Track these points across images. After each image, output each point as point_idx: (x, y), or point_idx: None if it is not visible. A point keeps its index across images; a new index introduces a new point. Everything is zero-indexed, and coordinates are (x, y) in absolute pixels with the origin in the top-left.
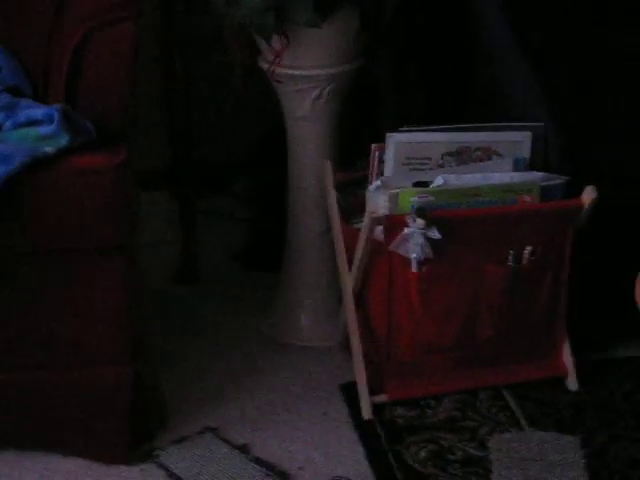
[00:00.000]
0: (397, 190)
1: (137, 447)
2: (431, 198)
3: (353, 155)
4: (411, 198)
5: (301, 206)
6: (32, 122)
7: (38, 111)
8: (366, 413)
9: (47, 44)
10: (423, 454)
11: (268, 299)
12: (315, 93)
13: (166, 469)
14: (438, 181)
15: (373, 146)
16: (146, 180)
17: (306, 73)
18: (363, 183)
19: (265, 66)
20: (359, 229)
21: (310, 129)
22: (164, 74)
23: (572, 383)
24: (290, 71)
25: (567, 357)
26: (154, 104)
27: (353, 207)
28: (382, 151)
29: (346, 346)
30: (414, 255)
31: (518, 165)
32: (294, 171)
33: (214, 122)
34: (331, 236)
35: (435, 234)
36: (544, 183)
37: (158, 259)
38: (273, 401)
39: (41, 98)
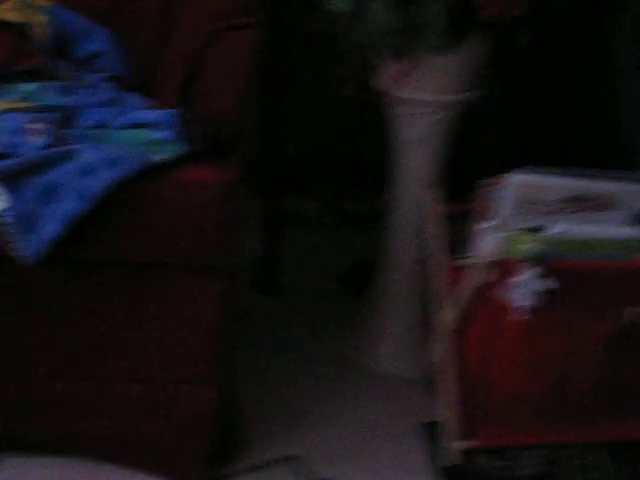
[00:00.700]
0: (511, 234)
1: (214, 470)
2: (546, 246)
3: (453, 187)
4: (526, 244)
5: (399, 233)
6: (142, 124)
7: (151, 114)
8: (451, 459)
9: (159, 36)
10: None
11: (352, 318)
12: (430, 119)
13: None
14: (554, 229)
15: (484, 182)
16: None
17: (425, 98)
18: (467, 217)
19: (381, 86)
20: (462, 265)
21: (418, 155)
22: (266, 73)
23: None
24: (408, 95)
25: None
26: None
27: (455, 241)
28: (493, 188)
29: (430, 381)
30: (523, 304)
31: (635, 219)
32: (396, 196)
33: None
34: (423, 267)
35: (548, 284)
36: None
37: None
38: (354, 432)
39: (146, 92)
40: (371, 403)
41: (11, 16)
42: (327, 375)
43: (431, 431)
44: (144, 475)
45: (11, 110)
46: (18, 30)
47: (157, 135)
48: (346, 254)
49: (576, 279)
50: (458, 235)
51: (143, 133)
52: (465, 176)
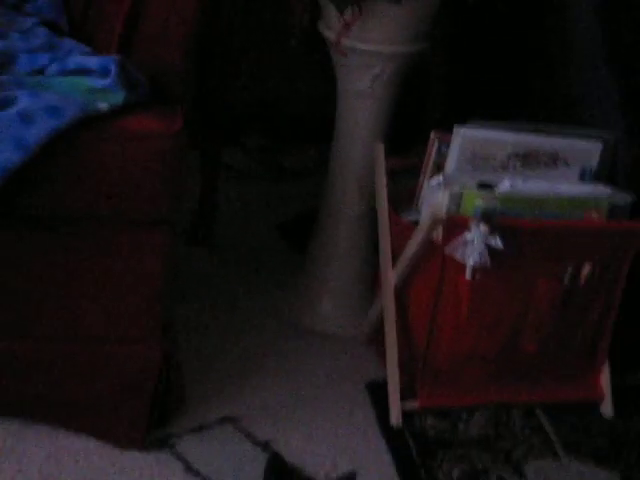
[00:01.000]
0: (461, 190)
1: (152, 431)
2: (496, 203)
3: (398, 140)
4: (475, 201)
5: (341, 187)
6: (82, 71)
7: (92, 60)
8: (396, 420)
9: None
10: (456, 473)
11: (288, 273)
12: (377, 70)
13: (184, 460)
14: (504, 185)
15: (432, 134)
16: None
17: (373, 48)
18: (413, 172)
19: (329, 35)
20: (408, 222)
21: (365, 107)
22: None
23: (607, 409)
24: (357, 44)
25: (605, 381)
26: None
27: (401, 196)
28: (441, 141)
29: (372, 340)
30: (472, 261)
31: (584, 176)
32: (340, 150)
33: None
34: (366, 222)
35: (497, 243)
36: (612, 199)
37: None
38: (296, 392)
39: (80, 39)
40: (313, 361)
41: None
42: (266, 333)
43: (375, 392)
44: (79, 437)
45: None
46: None
47: (99, 82)
48: (284, 208)
49: (525, 237)
50: (404, 190)
51: (84, 80)
52: (410, 130)
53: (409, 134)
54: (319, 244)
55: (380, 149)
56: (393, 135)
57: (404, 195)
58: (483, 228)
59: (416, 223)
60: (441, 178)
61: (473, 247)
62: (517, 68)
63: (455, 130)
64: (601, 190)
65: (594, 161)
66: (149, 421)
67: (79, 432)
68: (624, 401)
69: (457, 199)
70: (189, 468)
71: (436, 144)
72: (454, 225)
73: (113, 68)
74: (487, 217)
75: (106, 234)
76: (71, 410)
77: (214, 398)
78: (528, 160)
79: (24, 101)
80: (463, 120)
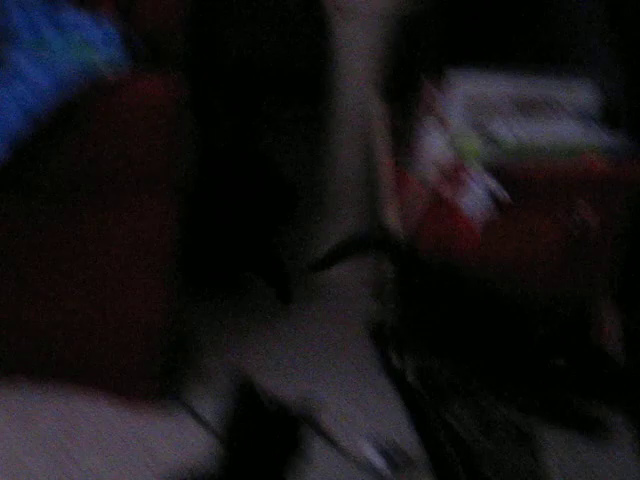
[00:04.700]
0: (463, 140)
1: (163, 383)
2: (498, 151)
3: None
4: (478, 151)
5: (339, 143)
6: (86, 41)
7: (95, 31)
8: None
9: None
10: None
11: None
12: (370, 22)
13: (194, 414)
14: (505, 133)
15: (427, 82)
16: None
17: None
18: (412, 117)
19: None
20: (409, 174)
21: (359, 58)
22: None
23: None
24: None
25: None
26: None
27: (401, 142)
28: (437, 88)
29: (379, 295)
30: (477, 211)
31: (584, 121)
32: (338, 101)
33: None
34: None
35: (502, 192)
36: (613, 145)
37: None
38: (305, 344)
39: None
40: (320, 314)
41: None
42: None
43: (379, 334)
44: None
45: None
46: None
47: (102, 51)
48: None
49: (529, 185)
50: (404, 135)
51: (87, 50)
52: (403, 75)
53: (403, 80)
54: (322, 194)
55: (375, 96)
56: (391, 80)
57: (405, 141)
58: (487, 178)
59: (420, 171)
60: (441, 123)
61: (478, 197)
62: (514, 15)
63: (452, 78)
64: (601, 136)
65: (592, 105)
66: (160, 373)
67: (92, 390)
68: None
69: (458, 147)
70: (201, 422)
71: (431, 91)
72: (458, 175)
73: (117, 38)
74: (490, 167)
75: (115, 199)
76: (83, 365)
77: (222, 351)
78: (526, 106)
79: (31, 71)
80: (454, 64)
